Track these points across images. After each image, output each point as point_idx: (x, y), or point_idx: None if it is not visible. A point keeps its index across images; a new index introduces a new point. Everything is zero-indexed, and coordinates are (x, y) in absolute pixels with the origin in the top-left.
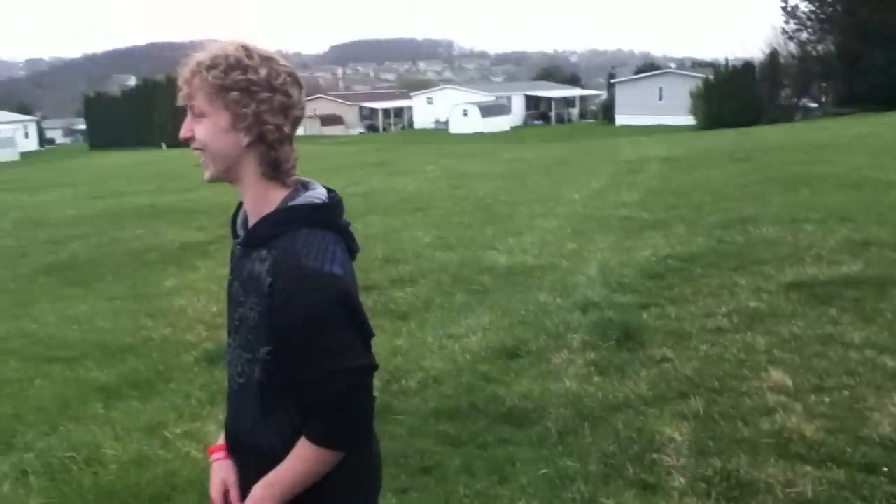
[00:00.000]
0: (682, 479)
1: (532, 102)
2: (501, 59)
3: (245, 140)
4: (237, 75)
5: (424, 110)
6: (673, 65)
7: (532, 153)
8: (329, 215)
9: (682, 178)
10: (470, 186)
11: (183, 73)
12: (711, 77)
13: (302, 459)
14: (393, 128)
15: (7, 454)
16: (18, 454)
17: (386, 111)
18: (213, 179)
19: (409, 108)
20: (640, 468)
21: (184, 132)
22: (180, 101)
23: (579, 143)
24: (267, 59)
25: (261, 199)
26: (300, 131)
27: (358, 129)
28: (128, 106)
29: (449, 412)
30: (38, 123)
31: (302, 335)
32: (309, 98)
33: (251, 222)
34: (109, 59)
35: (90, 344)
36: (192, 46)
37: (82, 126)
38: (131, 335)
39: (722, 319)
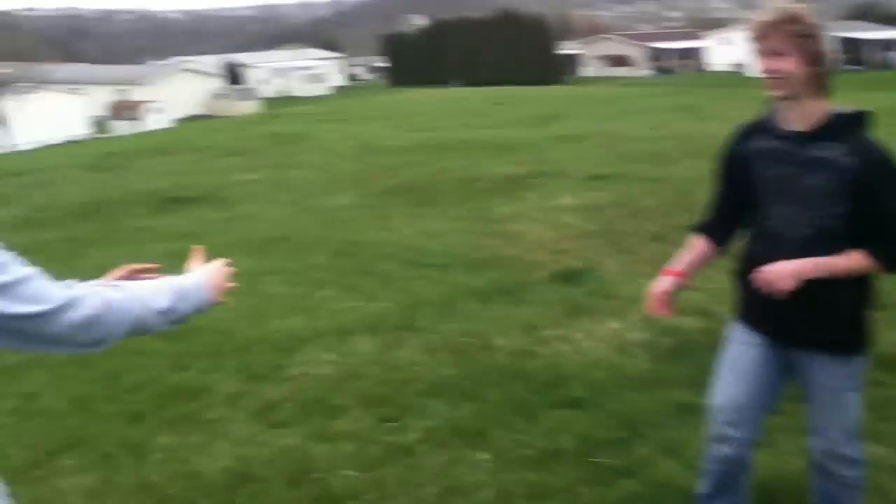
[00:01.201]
0: None
1: (846, 44)
2: None
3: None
4: (803, 28)
5: (719, 51)
6: None
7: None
8: (868, 119)
9: None
10: None
11: (761, 25)
12: None
13: (852, 262)
14: (683, 70)
15: (415, 333)
16: (423, 335)
17: (675, 51)
18: (784, 98)
19: (701, 48)
20: None
21: (768, 66)
22: (761, 45)
23: None
24: (811, 16)
25: (814, 110)
26: (589, 72)
27: (645, 71)
28: (422, 45)
29: None
30: (346, 61)
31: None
32: (595, 37)
33: (801, 126)
34: None
35: (450, 255)
36: None
37: (382, 64)
38: (481, 251)
39: None
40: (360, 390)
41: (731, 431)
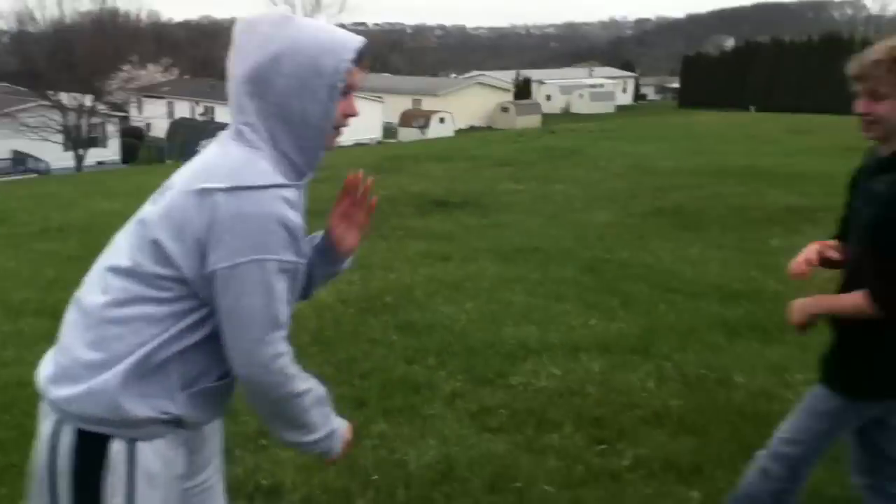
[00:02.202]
0: None
1: None
2: None
3: None
4: None
5: None
6: None
7: None
8: None
9: None
10: None
11: (866, 61)
12: None
13: (854, 301)
14: None
15: (648, 358)
16: (657, 361)
17: None
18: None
19: None
20: None
21: (864, 109)
22: (860, 84)
23: None
24: None
25: None
26: None
27: None
28: (722, 67)
29: None
30: (636, 80)
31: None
32: None
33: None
34: (714, 18)
35: (705, 283)
36: (804, 8)
37: (674, 84)
38: (741, 283)
39: None
40: (578, 408)
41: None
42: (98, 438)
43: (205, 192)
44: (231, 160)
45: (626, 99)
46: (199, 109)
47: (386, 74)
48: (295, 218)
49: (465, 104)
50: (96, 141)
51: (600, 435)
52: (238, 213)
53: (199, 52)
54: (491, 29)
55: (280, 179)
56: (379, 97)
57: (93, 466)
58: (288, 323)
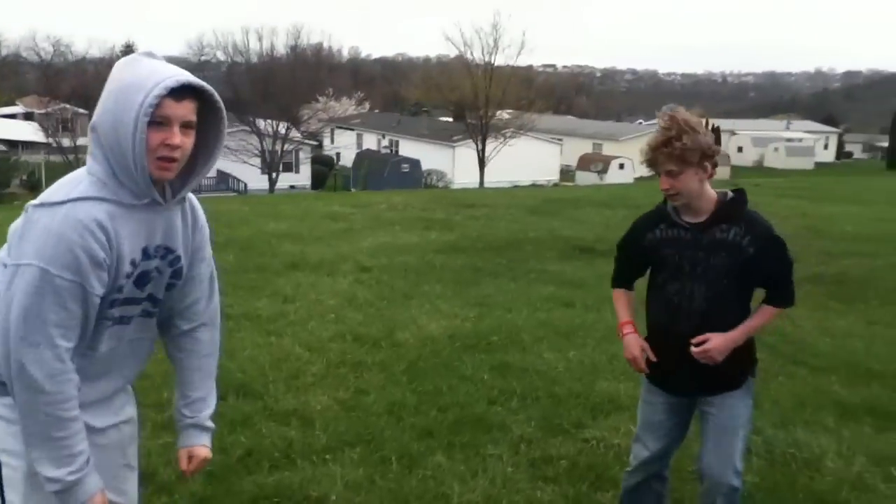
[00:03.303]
0: None
1: None
2: None
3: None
4: (684, 146)
5: None
6: None
7: None
8: (745, 196)
9: None
10: None
11: (647, 152)
12: None
13: (761, 318)
14: None
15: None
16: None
17: None
18: (682, 204)
19: None
20: None
21: (664, 186)
22: (654, 168)
23: None
24: (688, 126)
25: (707, 204)
26: None
27: None
28: None
29: None
30: (840, 136)
31: (781, 260)
32: None
33: (699, 219)
34: None
35: (838, 359)
36: None
37: (883, 143)
38: (881, 362)
39: None
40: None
41: (645, 468)
42: None
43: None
44: (59, 181)
45: (827, 156)
46: (384, 142)
47: (569, 117)
48: (90, 241)
49: None
50: (290, 166)
51: None
52: (34, 223)
53: (390, 88)
54: (684, 75)
55: (83, 194)
56: (558, 139)
57: None
58: (68, 339)
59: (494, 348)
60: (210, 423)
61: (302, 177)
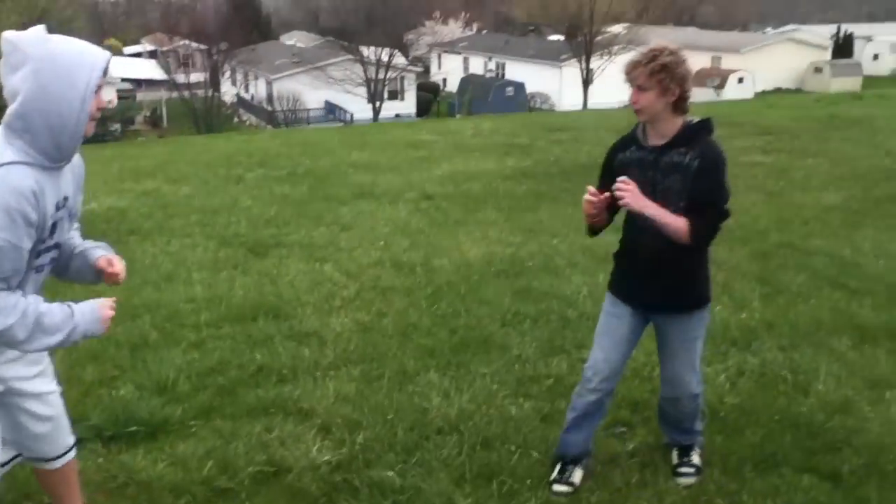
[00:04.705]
0: None
1: None
2: None
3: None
4: (658, 65)
5: None
6: None
7: None
8: (712, 125)
9: None
10: None
11: (628, 65)
12: None
13: (675, 223)
14: None
15: (741, 352)
16: (747, 355)
17: None
18: (646, 121)
19: None
20: None
21: (632, 98)
22: (628, 80)
23: None
24: (668, 52)
25: (671, 127)
26: None
27: None
28: None
29: None
30: None
31: (711, 178)
32: None
33: (660, 141)
34: None
35: (882, 282)
36: None
37: None
38: None
39: None
40: (619, 389)
41: (602, 385)
42: None
43: None
44: None
45: None
46: (491, 65)
47: (691, 29)
48: (24, 205)
49: (773, 63)
50: (395, 94)
51: (628, 418)
52: None
53: (502, 5)
54: None
55: (13, 159)
56: None
57: None
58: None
59: (525, 273)
60: None
61: (407, 104)
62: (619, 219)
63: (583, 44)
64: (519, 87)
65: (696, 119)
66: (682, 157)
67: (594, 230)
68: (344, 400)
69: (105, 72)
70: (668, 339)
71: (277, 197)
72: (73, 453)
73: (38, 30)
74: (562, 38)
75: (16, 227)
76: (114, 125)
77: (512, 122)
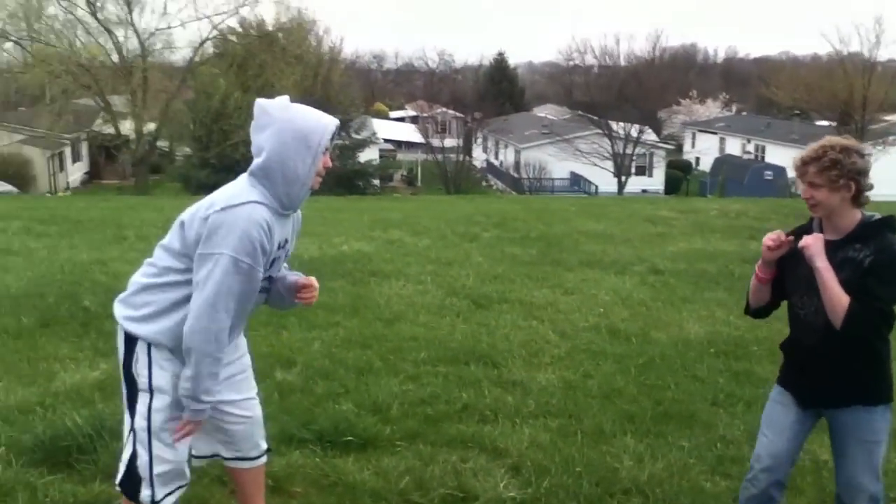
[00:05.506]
0: None
1: None
2: None
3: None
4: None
5: None
6: None
7: None
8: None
9: None
10: None
11: (797, 162)
12: None
13: (838, 294)
14: None
15: None
16: None
17: None
18: (821, 216)
19: None
20: None
21: (805, 194)
22: (799, 177)
23: None
24: (841, 148)
25: (847, 222)
26: None
27: None
28: None
29: None
30: None
31: (880, 273)
32: None
33: (835, 236)
34: None
35: None
36: None
37: None
38: None
39: None
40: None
41: (763, 476)
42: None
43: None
44: (233, 187)
45: None
46: (749, 147)
47: None
48: (263, 237)
49: None
50: (643, 170)
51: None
52: (223, 222)
53: (765, 87)
54: None
55: (257, 199)
56: None
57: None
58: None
59: (748, 357)
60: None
61: (655, 181)
62: None
63: (854, 131)
64: (779, 171)
65: (877, 216)
66: (856, 253)
67: (755, 307)
68: (538, 446)
69: (333, 136)
70: (838, 435)
71: (507, 256)
72: (265, 458)
73: (283, 99)
74: (833, 124)
75: (257, 255)
76: (375, 180)
77: (762, 206)
